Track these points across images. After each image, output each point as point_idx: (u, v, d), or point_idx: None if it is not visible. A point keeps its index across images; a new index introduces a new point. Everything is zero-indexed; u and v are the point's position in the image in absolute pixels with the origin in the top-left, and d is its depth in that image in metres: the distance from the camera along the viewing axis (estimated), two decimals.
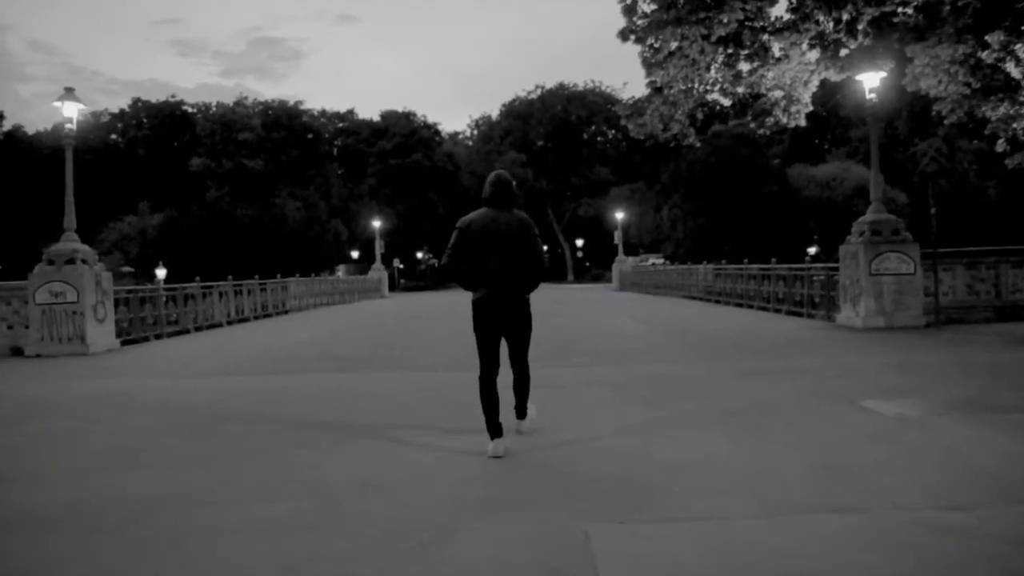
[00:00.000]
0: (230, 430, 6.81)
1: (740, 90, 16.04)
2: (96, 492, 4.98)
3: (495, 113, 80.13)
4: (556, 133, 73.73)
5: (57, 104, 14.07)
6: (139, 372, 11.38)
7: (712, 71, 15.47)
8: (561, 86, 75.91)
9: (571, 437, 6.15)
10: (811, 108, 16.48)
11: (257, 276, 24.56)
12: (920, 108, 58.77)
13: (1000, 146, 17.81)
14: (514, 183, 5.93)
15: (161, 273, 47.22)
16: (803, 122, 16.82)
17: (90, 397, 8.95)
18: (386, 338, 15.72)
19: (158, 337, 17.03)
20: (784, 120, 16.27)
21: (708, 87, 15.87)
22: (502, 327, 5.88)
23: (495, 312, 5.79)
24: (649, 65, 15.49)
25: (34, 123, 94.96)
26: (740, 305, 21.99)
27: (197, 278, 20.17)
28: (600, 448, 5.78)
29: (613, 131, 77.34)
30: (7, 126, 67.47)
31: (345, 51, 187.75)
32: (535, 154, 73.39)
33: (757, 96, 16.21)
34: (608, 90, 75.62)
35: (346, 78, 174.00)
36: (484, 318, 5.80)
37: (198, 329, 19.27)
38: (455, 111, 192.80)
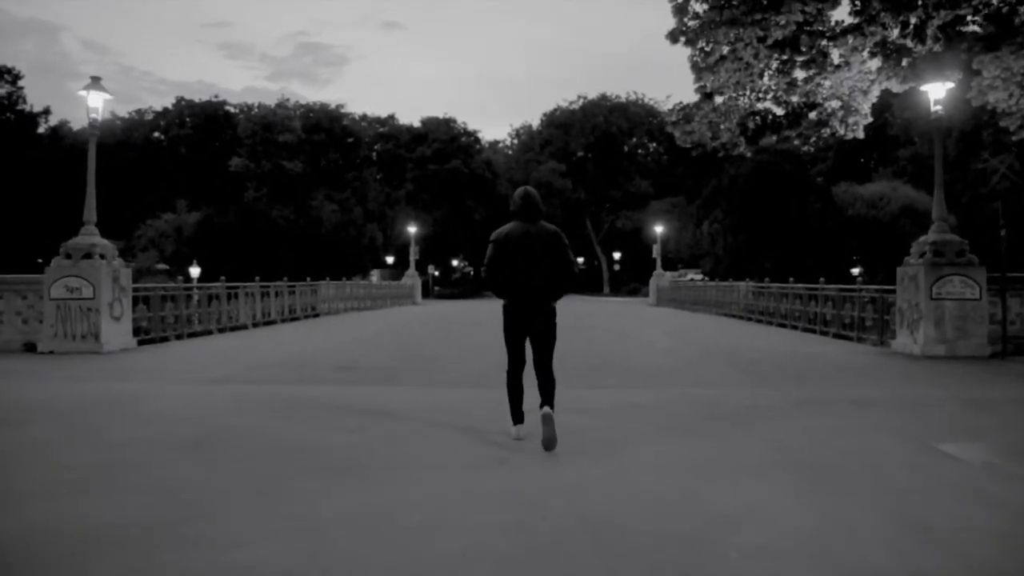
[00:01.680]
0: (225, 449, 6.13)
1: (794, 99, 15.09)
2: (51, 520, 4.31)
3: (536, 122, 79.58)
4: (596, 144, 72.91)
5: (83, 93, 13.59)
6: (149, 375, 10.81)
7: (765, 78, 14.59)
8: (603, 97, 75.14)
9: (604, 475, 5.36)
10: (870, 119, 15.51)
11: (286, 278, 24.10)
12: (972, 128, 57.12)
13: None
14: (539, 196, 6.36)
15: (195, 272, 47.19)
16: (861, 134, 15.84)
17: (89, 401, 8.35)
18: (412, 347, 15.07)
19: (179, 337, 16.54)
20: (841, 132, 15.31)
21: (761, 95, 14.99)
22: (528, 331, 6.31)
23: (523, 317, 6.25)
24: (699, 69, 14.64)
25: (83, 120, 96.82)
26: (784, 325, 21.03)
27: (222, 278, 19.71)
28: (638, 490, 4.98)
29: (654, 144, 76.45)
30: (53, 121, 68.30)
31: (389, 58, 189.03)
32: (575, 164, 72.65)
33: (813, 106, 15.28)
34: (651, 102, 74.81)
35: (389, 84, 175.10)
36: (513, 322, 6.29)
37: (221, 331, 18.79)
38: (496, 119, 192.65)
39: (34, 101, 67.74)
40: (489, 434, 6.72)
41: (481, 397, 8.56)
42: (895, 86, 14.52)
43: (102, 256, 13.59)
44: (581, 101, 75.15)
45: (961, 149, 55.19)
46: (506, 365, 6.40)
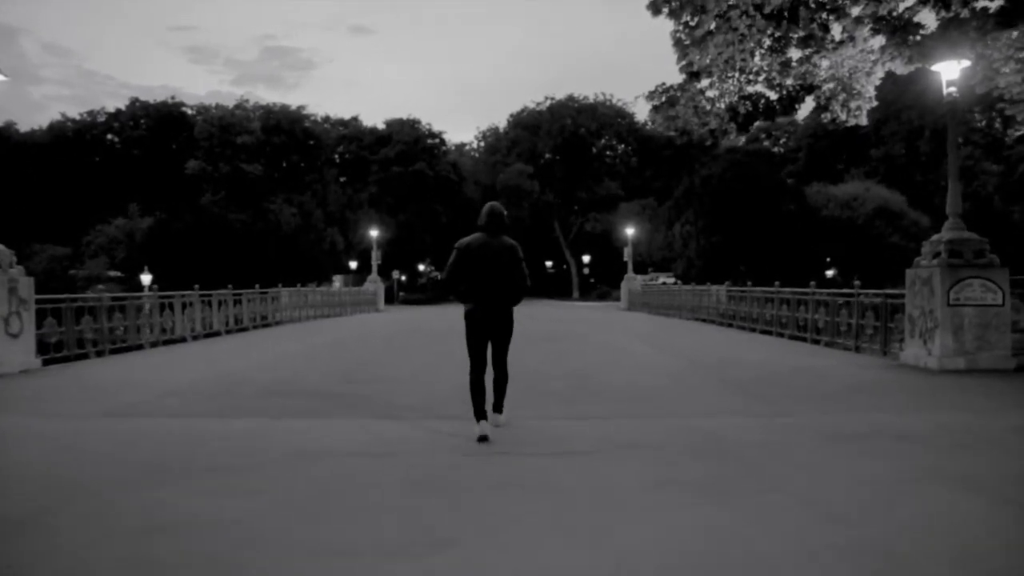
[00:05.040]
0: (46, 532, 4.34)
1: (788, 82, 13.56)
2: None
3: (503, 124, 77.73)
4: (564, 145, 71.31)
5: None
6: (34, 405, 8.96)
7: (757, 57, 13.03)
8: (571, 98, 73.52)
9: (589, 572, 3.69)
10: (875, 104, 13.99)
11: (231, 285, 22.16)
12: (943, 126, 56.54)
13: None
14: (506, 214, 6.91)
15: (146, 279, 44.83)
16: (864, 120, 14.33)
17: None
18: (362, 363, 13.27)
19: (100, 355, 14.62)
20: (843, 117, 13.80)
21: (752, 76, 13.42)
22: (489, 334, 6.85)
23: (483, 322, 6.80)
24: (684, 46, 13.01)
25: (37, 122, 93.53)
26: (768, 332, 19.56)
27: (155, 287, 17.83)
28: None
29: (623, 145, 75.14)
30: None
31: (357, 62, 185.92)
32: (542, 166, 71.02)
33: (810, 89, 13.74)
34: (620, 103, 73.37)
35: (357, 89, 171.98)
36: (474, 326, 6.84)
37: (154, 345, 16.88)
38: (465, 125, 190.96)
39: None
40: (438, 491, 5.07)
41: (435, 433, 6.92)
42: (899, 67, 13.00)
43: None
44: (549, 102, 73.52)
45: (934, 148, 54.54)
46: (468, 373, 6.82)
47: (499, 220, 6.76)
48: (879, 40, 12.82)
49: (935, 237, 11.95)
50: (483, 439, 6.50)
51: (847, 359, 13.47)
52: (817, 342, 16.40)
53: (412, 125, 70.95)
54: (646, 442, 6.60)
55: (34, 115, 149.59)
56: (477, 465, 5.83)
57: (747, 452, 6.17)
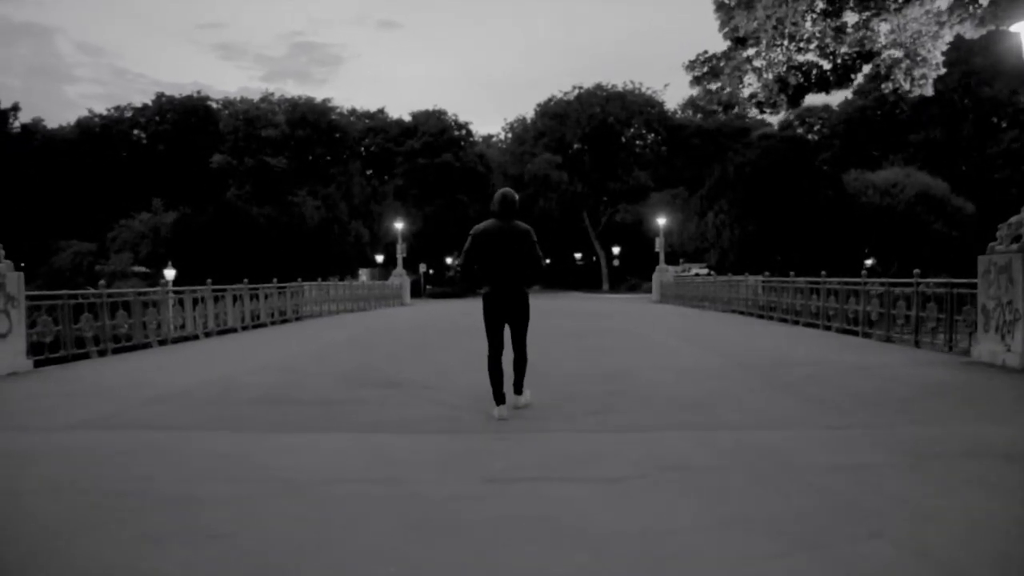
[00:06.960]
0: None
1: (844, 49, 12.20)
2: None
3: (530, 114, 76.31)
4: (593, 135, 69.79)
5: None
6: (5, 416, 8.05)
7: (808, 23, 11.73)
8: (599, 86, 71.83)
9: None
10: (943, 71, 12.57)
11: (246, 280, 21.28)
12: (987, 110, 54.33)
13: None
14: (518, 198, 7.28)
15: (170, 274, 44.30)
16: (930, 91, 12.89)
17: None
18: (375, 364, 12.23)
19: (102, 354, 13.77)
20: (906, 87, 12.40)
21: (803, 44, 12.09)
22: (505, 316, 7.21)
23: (500, 304, 7.17)
24: (728, 9, 11.74)
25: (67, 118, 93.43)
26: (813, 325, 18.33)
27: (164, 282, 16.95)
28: None
29: (653, 134, 73.48)
30: (25, 118, 65.58)
31: (385, 57, 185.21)
32: (571, 156, 69.63)
33: (868, 56, 12.36)
34: (649, 91, 71.68)
35: (385, 84, 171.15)
36: (491, 309, 7.21)
37: (163, 343, 16.03)
38: (492, 120, 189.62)
39: (29, 104, 65.24)
40: (443, 534, 4.02)
41: (448, 450, 5.89)
42: (969, 30, 11.61)
43: None
44: (576, 91, 72.02)
45: (978, 131, 52.50)
46: (487, 361, 7.22)
47: (511, 206, 7.11)
48: (946, 0, 11.45)
49: (1014, 219, 10.64)
50: (501, 420, 6.94)
51: (909, 356, 12.21)
52: (869, 336, 15.17)
53: (438, 116, 70.02)
54: (698, 463, 5.49)
55: (68, 113, 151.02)
56: (495, 496, 4.78)
57: (825, 478, 5.03)
